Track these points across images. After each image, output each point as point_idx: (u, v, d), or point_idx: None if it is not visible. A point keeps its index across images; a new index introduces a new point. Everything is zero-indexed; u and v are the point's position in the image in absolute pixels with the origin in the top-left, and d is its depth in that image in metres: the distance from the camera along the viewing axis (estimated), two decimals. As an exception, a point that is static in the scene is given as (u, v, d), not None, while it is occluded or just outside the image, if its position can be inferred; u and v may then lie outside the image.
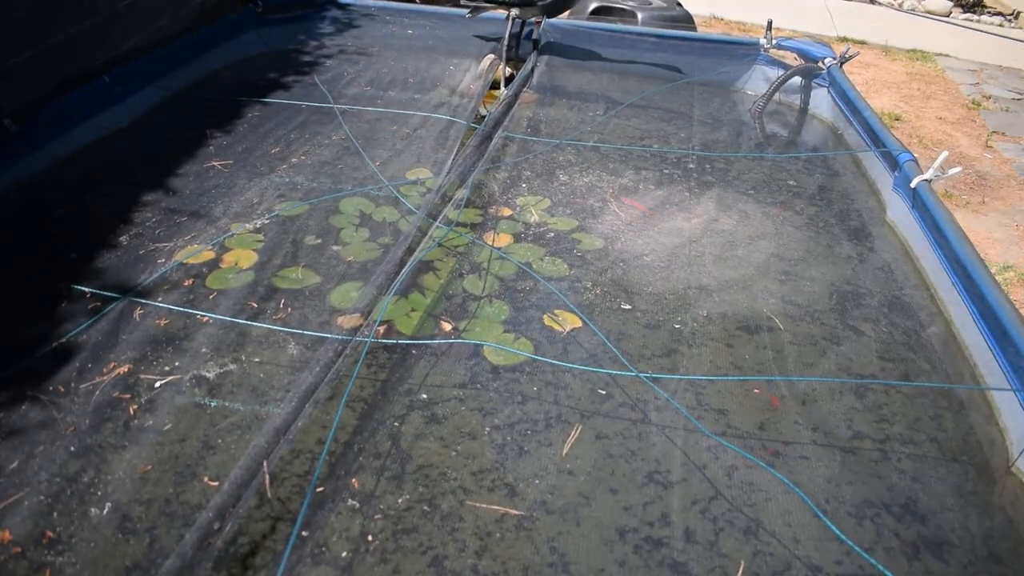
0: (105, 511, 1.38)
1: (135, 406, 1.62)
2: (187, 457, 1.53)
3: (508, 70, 3.66)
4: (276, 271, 2.18)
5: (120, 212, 2.29)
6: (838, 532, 1.54)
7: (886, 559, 1.51)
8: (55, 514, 1.38)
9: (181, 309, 1.93)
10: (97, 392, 1.64)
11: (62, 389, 1.65)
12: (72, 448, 1.51)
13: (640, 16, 6.10)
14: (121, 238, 2.18)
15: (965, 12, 8.80)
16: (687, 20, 6.42)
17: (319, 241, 2.35)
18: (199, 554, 1.26)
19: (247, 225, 2.36)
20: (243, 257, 2.26)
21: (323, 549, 1.39)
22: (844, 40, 7.62)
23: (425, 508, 1.51)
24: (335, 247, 2.33)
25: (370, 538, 1.43)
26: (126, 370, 1.70)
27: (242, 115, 2.99)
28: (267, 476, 1.41)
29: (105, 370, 1.70)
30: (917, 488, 1.68)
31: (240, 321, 1.91)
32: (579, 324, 2.07)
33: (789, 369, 1.97)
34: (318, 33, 3.83)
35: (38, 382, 1.65)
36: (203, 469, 1.50)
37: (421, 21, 4.05)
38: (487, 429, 1.71)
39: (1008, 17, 8.76)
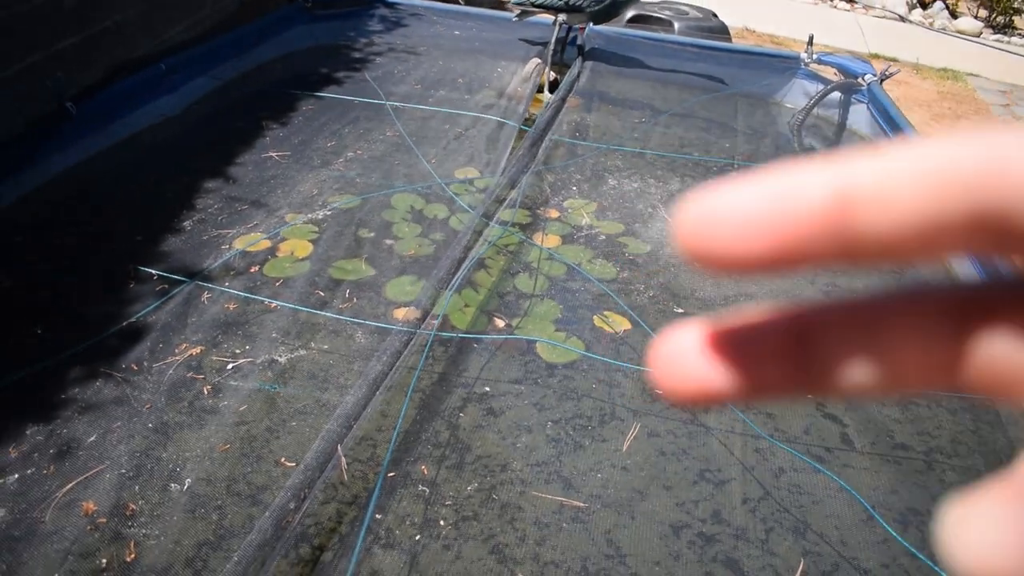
0: (185, 487, 1.44)
1: (208, 387, 1.68)
2: (262, 438, 1.59)
3: (552, 74, 3.71)
4: (332, 262, 2.24)
5: (182, 197, 2.35)
6: (892, 532, 1.58)
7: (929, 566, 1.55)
8: (136, 487, 1.44)
9: (249, 295, 1.99)
10: (170, 371, 1.70)
11: (135, 367, 1.71)
12: (149, 424, 1.57)
13: (677, 26, 6.14)
14: (184, 223, 2.24)
15: (996, 33, 8.79)
16: (723, 31, 6.46)
17: (373, 235, 2.40)
18: (278, 532, 1.31)
19: (303, 217, 2.42)
20: (299, 247, 2.32)
21: (395, 532, 1.44)
22: (875, 57, 7.63)
23: (485, 497, 1.56)
24: (388, 241, 2.39)
25: (436, 524, 1.48)
26: (198, 351, 1.76)
27: (296, 108, 3.05)
28: (343, 460, 1.46)
29: (177, 351, 1.76)
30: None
31: (305, 308, 1.96)
32: (629, 326, 2.12)
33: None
34: (367, 31, 3.88)
35: (111, 359, 1.71)
36: (278, 450, 1.55)
37: (467, 23, 4.11)
38: (543, 424, 1.76)
39: (1041, 39, 8.75)
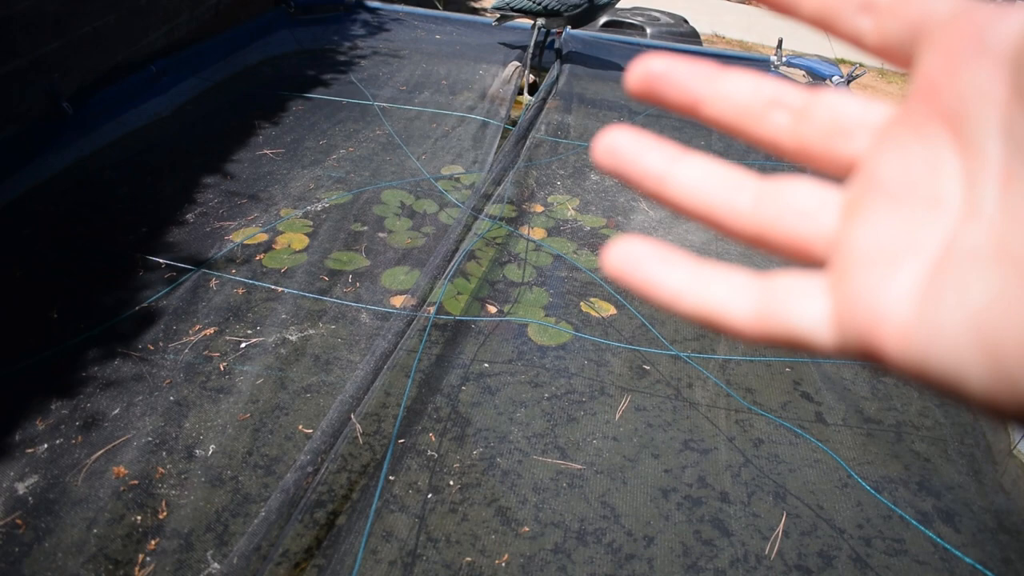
0: (209, 452, 1.53)
1: (224, 363, 1.76)
2: (279, 408, 1.68)
3: (532, 77, 3.82)
4: (329, 254, 2.33)
5: (181, 192, 2.44)
6: (873, 491, 1.71)
7: (902, 525, 1.67)
8: (163, 453, 1.53)
9: (256, 282, 2.08)
10: (186, 351, 1.79)
11: (151, 347, 1.79)
12: (171, 397, 1.66)
13: (649, 31, 6.29)
14: (187, 216, 2.32)
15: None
16: (693, 36, 6.63)
17: (365, 228, 2.49)
18: (299, 492, 1.40)
19: (297, 211, 2.51)
20: (296, 240, 2.41)
21: (404, 497, 1.54)
22: (842, 61, 7.83)
23: (488, 465, 1.66)
24: (380, 234, 2.48)
25: (443, 489, 1.58)
26: (212, 332, 1.85)
27: (286, 108, 3.14)
28: (358, 426, 1.55)
29: (190, 332, 1.84)
30: (930, 467, 1.85)
31: (311, 295, 2.05)
32: (614, 311, 2.23)
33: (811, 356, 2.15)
34: (350, 34, 3.98)
35: (127, 341, 1.79)
36: (296, 420, 1.65)
37: (447, 27, 4.22)
38: (538, 400, 1.86)
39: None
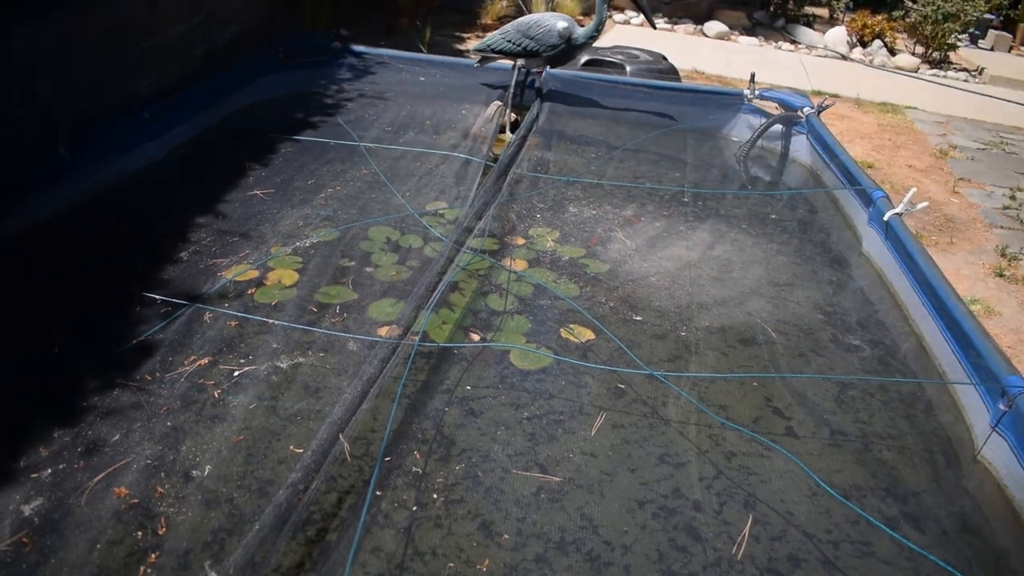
0: (206, 472, 1.62)
1: (219, 391, 1.86)
2: (271, 430, 1.78)
3: (513, 116, 3.95)
4: (318, 288, 2.42)
5: (175, 232, 2.54)
6: (841, 497, 1.79)
7: (869, 529, 1.76)
8: (162, 474, 1.61)
9: (247, 316, 2.17)
10: (181, 380, 1.88)
11: (149, 378, 1.88)
12: (168, 423, 1.75)
13: (628, 69, 6.47)
14: (181, 254, 2.42)
15: (932, 68, 9.29)
16: (672, 72, 6.81)
17: (353, 263, 2.59)
18: (290, 508, 1.49)
19: (287, 248, 2.60)
20: (285, 276, 2.50)
21: (391, 514, 1.62)
22: (818, 93, 8.03)
23: (471, 483, 1.75)
24: (368, 268, 2.58)
25: (428, 506, 1.66)
26: (206, 362, 1.94)
27: (276, 150, 3.25)
28: (346, 444, 1.64)
29: (186, 362, 1.93)
30: (896, 475, 1.94)
31: (300, 327, 2.15)
32: (592, 337, 2.32)
33: (782, 371, 2.24)
34: (337, 78, 4.11)
35: (126, 372, 1.88)
36: (287, 440, 1.74)
37: (431, 69, 4.36)
38: (519, 420, 1.95)
39: (973, 73, 9.27)
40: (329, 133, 3.48)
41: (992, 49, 10.74)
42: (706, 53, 9.26)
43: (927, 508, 1.85)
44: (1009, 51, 10.86)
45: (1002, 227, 4.79)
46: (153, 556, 1.41)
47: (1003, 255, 4.39)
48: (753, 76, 4.32)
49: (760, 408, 2.11)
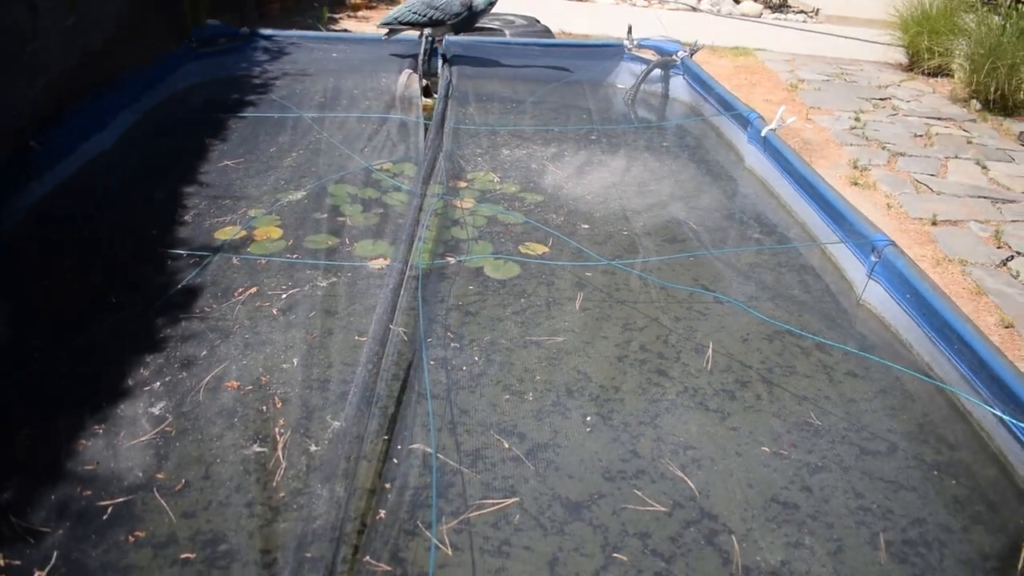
0: (295, 363, 2.04)
1: (275, 309, 2.25)
2: (331, 329, 2.22)
3: (424, 81, 4.34)
4: (303, 239, 2.78)
5: (174, 200, 2.86)
6: (780, 324, 2.34)
7: (793, 352, 2.31)
8: (260, 369, 2.02)
9: (271, 257, 2.55)
10: (239, 306, 2.26)
11: (208, 310, 2.25)
12: (246, 336, 2.14)
13: (507, 33, 6.91)
14: (185, 217, 2.75)
15: (774, 12, 10.15)
16: (547, 33, 7.29)
17: (326, 216, 2.96)
18: (370, 379, 1.89)
19: (263, 210, 2.94)
20: (271, 232, 2.85)
21: (441, 369, 2.07)
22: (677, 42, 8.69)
23: (487, 357, 2.19)
24: (339, 218, 2.95)
25: (459, 373, 2.11)
26: (255, 291, 2.32)
27: (228, 127, 3.56)
28: (402, 330, 2.09)
29: (236, 294, 2.31)
30: (803, 319, 2.49)
31: (323, 263, 2.55)
32: (547, 250, 2.79)
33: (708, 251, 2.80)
34: (257, 61, 4.39)
35: (184, 309, 2.23)
36: (349, 332, 2.21)
37: (340, 46, 4.69)
38: (509, 314, 2.41)
39: (809, 14, 10.17)
40: (269, 109, 3.80)
41: (823, -9, 11.76)
42: (568, 15, 9.80)
43: (832, 337, 2.41)
44: (838, -9, 11.92)
45: (851, 144, 5.52)
46: (281, 421, 1.82)
47: (855, 167, 5.08)
48: (630, 28, 4.86)
49: (695, 283, 2.64)
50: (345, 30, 7.75)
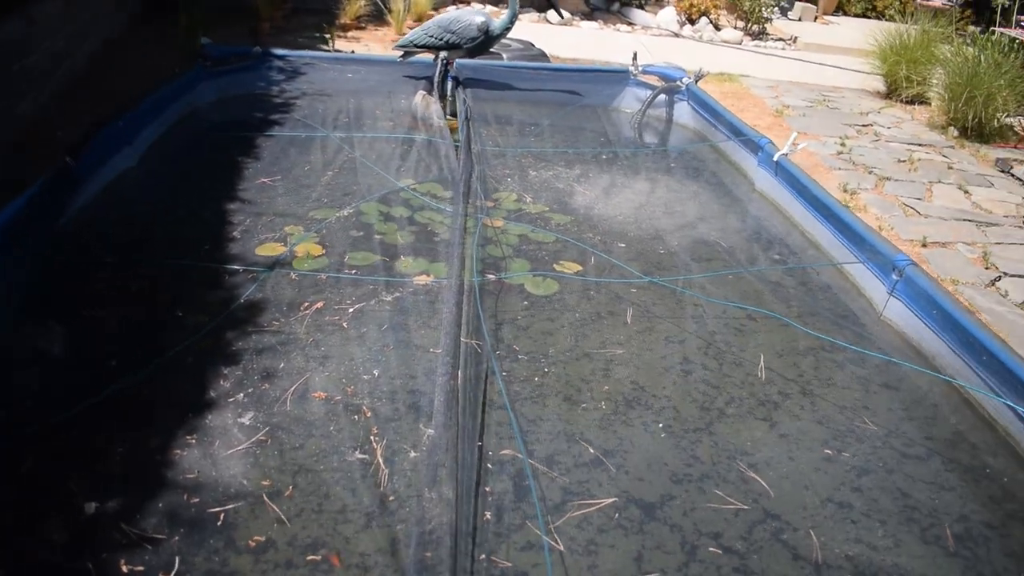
0: (376, 374, 2.14)
1: (345, 323, 2.35)
2: (405, 341, 2.33)
3: (439, 102, 4.46)
4: (343, 255, 2.87)
5: (219, 217, 2.94)
6: (813, 333, 2.48)
7: (826, 368, 2.45)
8: (343, 380, 2.12)
9: (329, 273, 2.66)
10: (307, 319, 2.36)
11: (276, 324, 2.34)
12: (321, 348, 2.24)
13: (505, 56, 7.07)
14: (233, 233, 2.84)
15: (753, 40, 10.43)
16: (543, 57, 7.47)
17: (361, 234, 3.05)
18: (451, 389, 2.00)
19: (308, 227, 3.03)
20: (311, 249, 2.93)
21: (509, 376, 2.19)
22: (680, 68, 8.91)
23: (545, 369, 2.31)
24: (376, 236, 3.05)
25: (522, 384, 2.22)
26: (321, 305, 2.42)
27: (258, 145, 3.65)
28: (473, 341, 2.20)
29: (302, 308, 2.40)
30: (831, 333, 2.64)
31: (383, 279, 2.65)
32: (580, 268, 2.92)
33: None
34: (273, 80, 4.48)
35: (252, 322, 2.32)
36: (424, 345, 2.31)
37: (353, 67, 4.81)
38: (557, 326, 2.53)
39: (788, 42, 10.49)
40: (296, 128, 3.91)
41: (800, 19, 12.09)
42: (556, 39, 9.99)
43: (861, 344, 2.56)
44: (815, 20, 12.26)
45: (840, 169, 5.73)
46: (374, 429, 1.92)
47: (845, 191, 5.29)
48: (636, 55, 5.03)
49: (733, 299, 2.79)
50: (338, 50, 7.86)
